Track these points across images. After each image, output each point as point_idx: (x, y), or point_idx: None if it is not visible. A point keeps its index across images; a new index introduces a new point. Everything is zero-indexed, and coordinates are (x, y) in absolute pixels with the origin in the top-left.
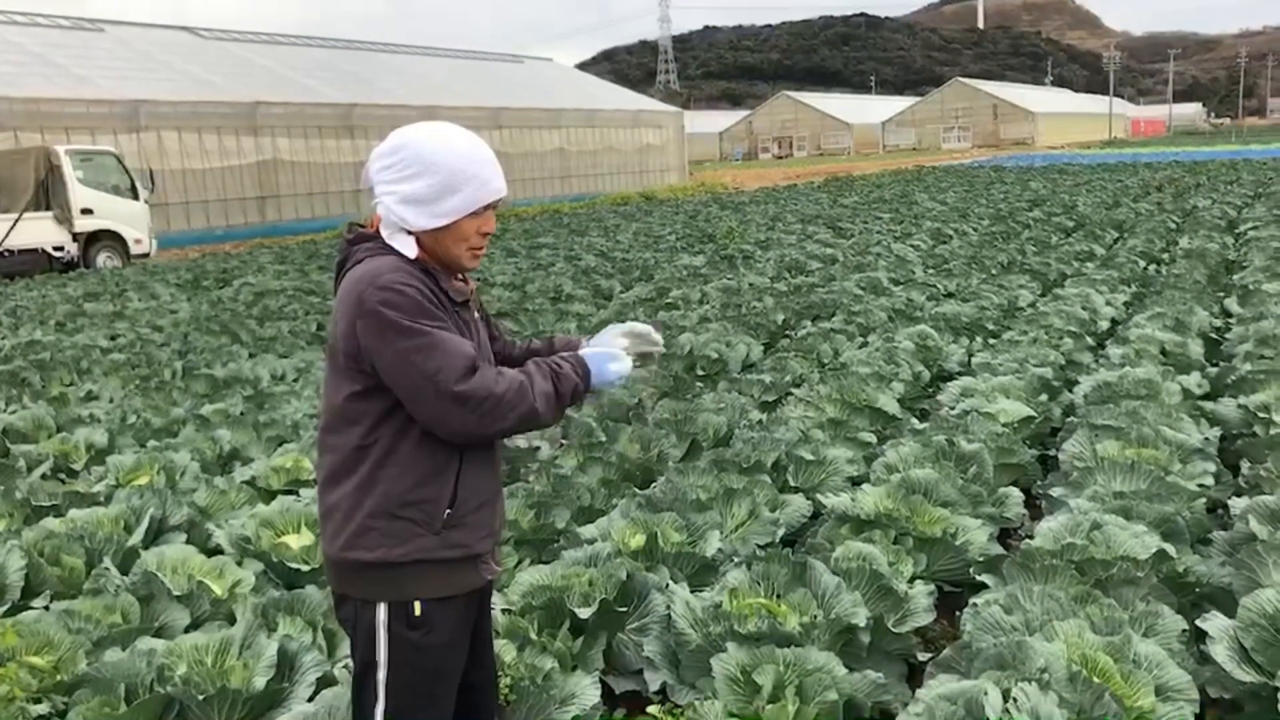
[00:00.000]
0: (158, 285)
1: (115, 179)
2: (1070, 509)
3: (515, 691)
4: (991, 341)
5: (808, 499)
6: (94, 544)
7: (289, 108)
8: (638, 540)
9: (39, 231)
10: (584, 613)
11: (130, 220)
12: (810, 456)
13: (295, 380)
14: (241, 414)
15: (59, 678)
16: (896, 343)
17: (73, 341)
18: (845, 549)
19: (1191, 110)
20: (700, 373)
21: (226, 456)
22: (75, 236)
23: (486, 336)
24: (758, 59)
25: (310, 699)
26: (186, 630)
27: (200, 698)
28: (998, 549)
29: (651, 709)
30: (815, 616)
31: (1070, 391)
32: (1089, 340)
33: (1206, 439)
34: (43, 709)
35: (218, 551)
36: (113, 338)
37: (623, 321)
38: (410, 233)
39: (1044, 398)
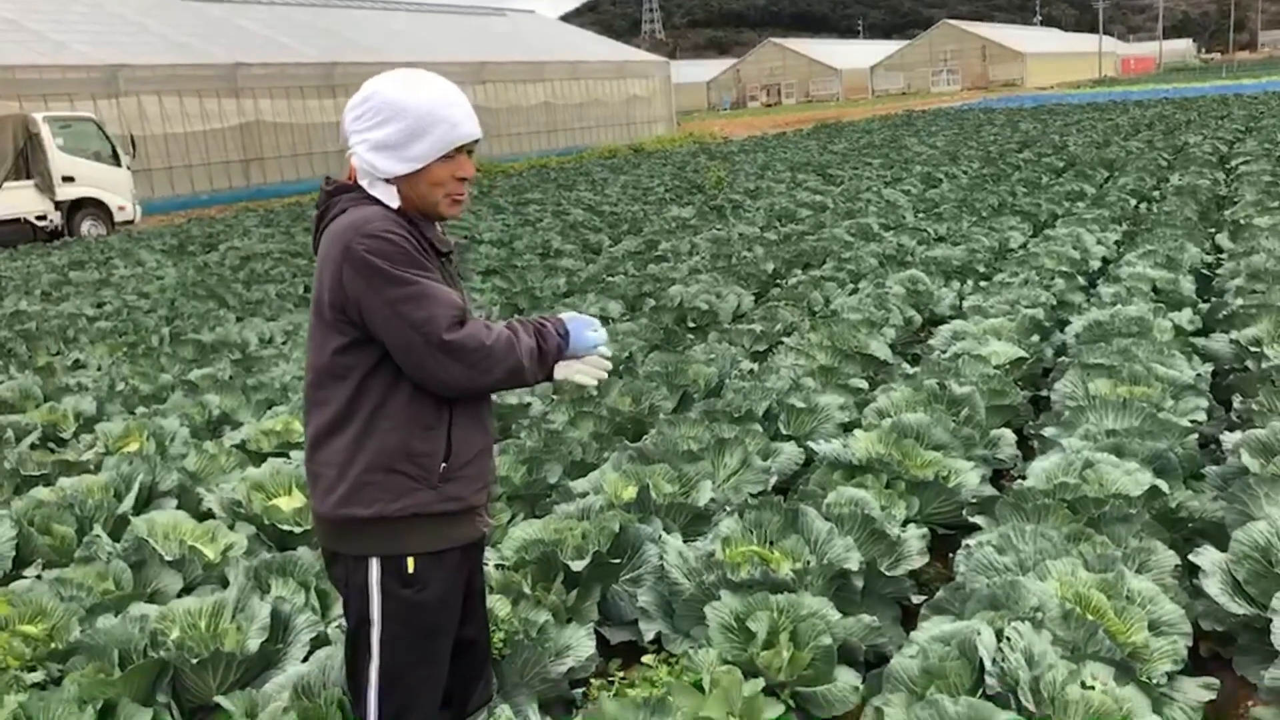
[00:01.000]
0: (143, 252)
1: (96, 146)
2: (1062, 448)
3: (510, 645)
4: (983, 284)
5: (800, 447)
6: (84, 512)
7: (269, 68)
8: (630, 492)
9: (20, 201)
10: (577, 565)
11: (113, 187)
12: (801, 404)
13: (284, 343)
14: (230, 378)
15: (53, 646)
16: (887, 288)
17: (59, 310)
18: (837, 495)
19: (1182, 46)
20: (691, 324)
21: (216, 421)
22: (58, 205)
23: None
24: (744, 5)
25: (305, 659)
26: (179, 595)
27: (194, 661)
28: (990, 490)
29: (647, 659)
30: (808, 562)
31: (1062, 332)
32: (1080, 280)
33: (1198, 375)
34: (37, 677)
35: (209, 516)
36: (99, 305)
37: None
38: (390, 182)
39: (1035, 338)
